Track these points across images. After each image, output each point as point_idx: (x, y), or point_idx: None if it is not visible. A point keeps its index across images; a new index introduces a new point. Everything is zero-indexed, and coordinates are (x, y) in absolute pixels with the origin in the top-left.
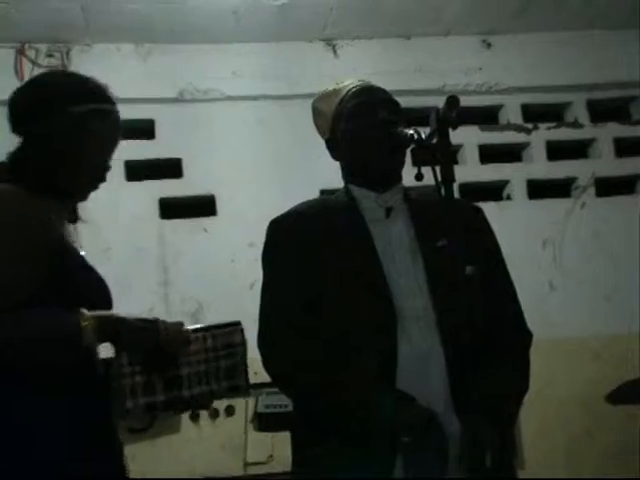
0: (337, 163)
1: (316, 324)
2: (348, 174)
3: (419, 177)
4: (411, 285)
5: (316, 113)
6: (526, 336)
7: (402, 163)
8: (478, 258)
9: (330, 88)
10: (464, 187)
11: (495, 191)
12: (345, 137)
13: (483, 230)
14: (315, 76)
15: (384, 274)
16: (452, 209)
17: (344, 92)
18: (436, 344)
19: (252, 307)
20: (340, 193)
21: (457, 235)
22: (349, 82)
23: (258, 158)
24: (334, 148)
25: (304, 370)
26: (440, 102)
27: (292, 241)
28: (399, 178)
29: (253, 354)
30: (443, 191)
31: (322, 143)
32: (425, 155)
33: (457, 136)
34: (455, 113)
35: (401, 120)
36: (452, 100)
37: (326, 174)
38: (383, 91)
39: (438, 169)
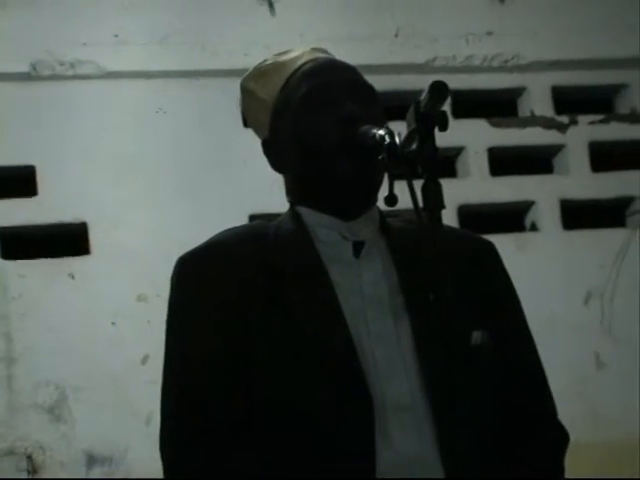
0: (275, 176)
1: (252, 425)
2: (295, 191)
3: (391, 200)
4: (392, 360)
5: (248, 99)
6: (560, 438)
7: (375, 178)
8: (488, 319)
9: (269, 61)
10: (466, 211)
11: (514, 217)
12: (291, 139)
13: (496, 277)
14: (241, 43)
15: (353, 345)
16: (450, 245)
17: (291, 70)
18: (430, 448)
19: (144, 395)
20: (285, 218)
21: (458, 284)
22: (299, 52)
23: (155, 166)
24: (275, 153)
25: None
26: (429, 83)
27: (211, 291)
28: (373, 200)
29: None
30: (426, 221)
31: (252, 144)
32: (400, 168)
33: (456, 135)
34: (443, 106)
35: (378, 113)
36: (438, 87)
37: (258, 191)
38: (350, 69)
39: (419, 188)
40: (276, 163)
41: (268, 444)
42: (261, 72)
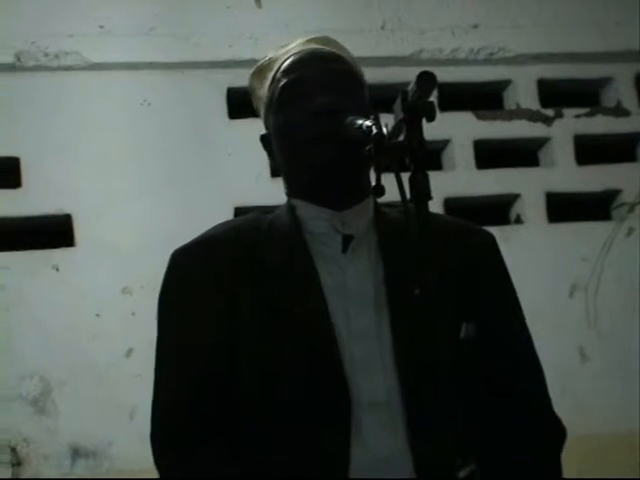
0: (260, 169)
1: (234, 418)
2: (288, 183)
3: (378, 191)
4: (370, 357)
5: (252, 94)
6: (557, 432)
7: (361, 169)
8: (482, 312)
9: (268, 56)
10: (452, 204)
11: (499, 210)
12: (275, 134)
13: (493, 268)
14: (227, 35)
15: (334, 340)
16: (445, 235)
17: (279, 64)
18: (403, 447)
19: (129, 388)
20: (281, 210)
21: (448, 277)
22: (293, 45)
23: (140, 159)
24: (269, 147)
25: None
26: (415, 75)
27: (197, 288)
28: (358, 190)
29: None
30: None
31: (238, 136)
32: (387, 159)
33: (442, 128)
34: (430, 96)
35: (360, 104)
36: (425, 78)
37: (243, 183)
38: (333, 60)
39: (406, 179)
40: (271, 157)
41: (246, 439)
42: (259, 68)
